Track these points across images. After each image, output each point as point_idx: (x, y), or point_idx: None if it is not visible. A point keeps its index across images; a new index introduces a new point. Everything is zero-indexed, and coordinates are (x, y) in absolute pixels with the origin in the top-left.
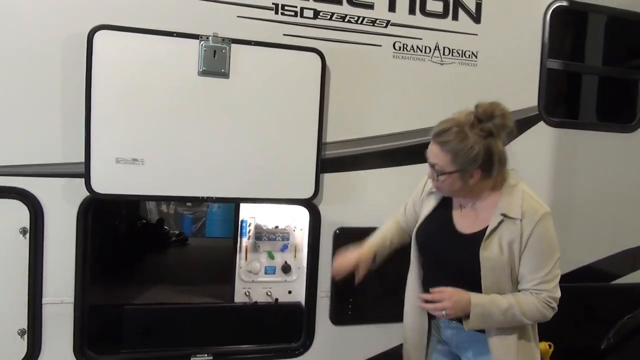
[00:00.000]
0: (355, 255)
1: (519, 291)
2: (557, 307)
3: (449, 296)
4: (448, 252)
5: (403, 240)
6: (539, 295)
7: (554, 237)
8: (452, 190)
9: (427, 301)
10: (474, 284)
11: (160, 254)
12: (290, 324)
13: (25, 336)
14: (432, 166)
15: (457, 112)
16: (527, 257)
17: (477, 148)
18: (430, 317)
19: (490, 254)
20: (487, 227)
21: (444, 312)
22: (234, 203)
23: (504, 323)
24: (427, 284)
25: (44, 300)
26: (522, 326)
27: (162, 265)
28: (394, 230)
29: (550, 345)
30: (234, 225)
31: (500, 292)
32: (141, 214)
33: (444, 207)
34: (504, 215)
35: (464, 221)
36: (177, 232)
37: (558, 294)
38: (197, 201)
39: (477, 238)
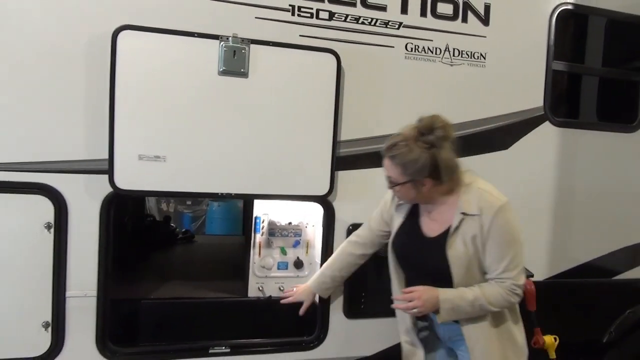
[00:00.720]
0: (298, 295)
1: (486, 281)
2: (522, 293)
3: (418, 295)
4: (420, 257)
5: (350, 271)
6: (503, 283)
7: (513, 226)
8: (409, 198)
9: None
10: (448, 281)
11: (168, 251)
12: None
13: (50, 329)
14: (387, 178)
15: (404, 126)
16: (489, 249)
17: (423, 159)
18: (421, 319)
19: (456, 251)
20: (450, 227)
21: (415, 310)
22: (236, 201)
23: (474, 313)
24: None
25: (67, 294)
26: (494, 314)
27: (172, 261)
28: (341, 265)
29: (556, 339)
30: (243, 222)
31: (472, 284)
32: (146, 212)
33: (413, 216)
34: (464, 213)
35: (430, 226)
36: (184, 229)
37: (522, 280)
38: (216, 197)
39: (443, 239)
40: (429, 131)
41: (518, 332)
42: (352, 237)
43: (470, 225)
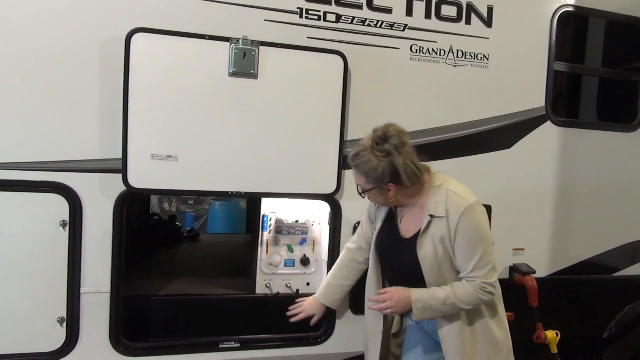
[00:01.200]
0: (308, 309)
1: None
2: (493, 291)
3: (390, 296)
4: (396, 256)
5: (356, 279)
6: (473, 282)
7: (481, 226)
8: (380, 203)
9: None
10: (421, 281)
11: (175, 249)
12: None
13: (65, 324)
14: (357, 186)
15: (365, 135)
16: (458, 249)
17: (381, 167)
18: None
19: (426, 252)
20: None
21: (388, 310)
22: (238, 200)
23: (447, 312)
24: (386, 285)
25: (82, 290)
26: (470, 325)
27: (178, 259)
28: (346, 273)
29: (557, 334)
30: (247, 221)
31: (444, 284)
32: (152, 211)
33: (392, 217)
34: (431, 215)
35: (406, 227)
36: (189, 228)
37: (493, 279)
38: (226, 196)
39: (415, 240)
40: (383, 140)
41: (497, 327)
42: (349, 245)
43: (439, 227)
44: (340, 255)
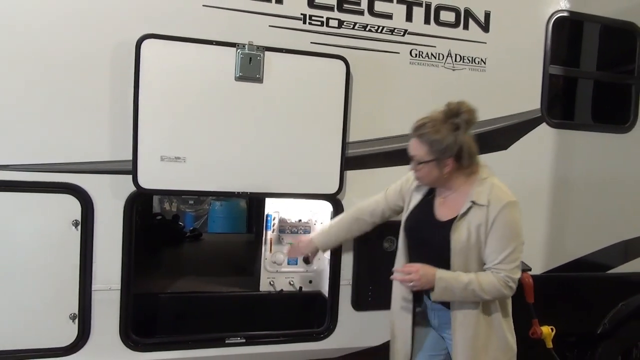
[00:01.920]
0: (303, 249)
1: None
2: (515, 288)
3: (416, 270)
4: (427, 237)
5: (354, 235)
6: (498, 274)
7: (517, 224)
8: (431, 179)
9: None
10: (446, 265)
11: (178, 248)
12: (312, 310)
13: (76, 320)
14: (412, 158)
15: (432, 111)
16: (491, 240)
17: (449, 139)
18: (416, 302)
19: (459, 236)
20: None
21: (411, 283)
22: (238, 200)
23: (466, 297)
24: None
25: (93, 287)
26: (485, 304)
27: (182, 257)
28: (350, 227)
29: (552, 329)
30: (248, 220)
31: (467, 272)
32: (154, 211)
33: (428, 200)
34: (473, 202)
35: (442, 210)
36: (191, 227)
37: (517, 275)
38: (232, 196)
39: (450, 224)
40: (455, 114)
41: (508, 330)
42: (366, 204)
43: (477, 215)
44: (353, 209)
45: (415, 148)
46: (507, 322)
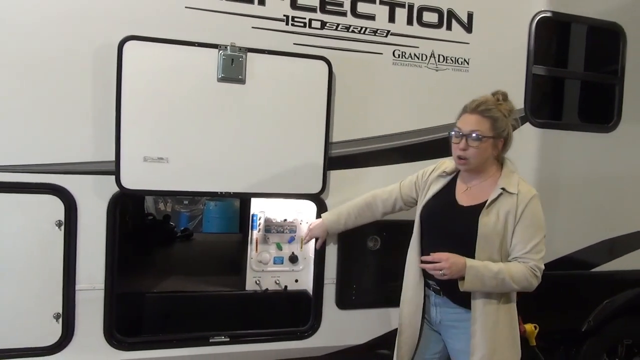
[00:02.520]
0: (314, 232)
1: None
2: (540, 277)
3: (446, 258)
4: (449, 223)
5: (364, 221)
6: (527, 263)
7: (542, 216)
8: (479, 159)
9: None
10: (469, 253)
11: (168, 248)
12: (298, 309)
13: (60, 320)
14: (467, 135)
15: (480, 96)
16: (520, 229)
17: (506, 121)
18: (424, 295)
19: (488, 220)
20: (486, 200)
21: (442, 271)
22: (232, 200)
23: (495, 287)
24: (427, 254)
25: (77, 287)
26: (505, 295)
27: (172, 257)
28: (361, 213)
29: (535, 327)
30: (240, 220)
31: (491, 260)
32: (145, 211)
33: (449, 189)
34: (504, 189)
35: (465, 198)
36: (183, 228)
37: (542, 265)
38: (216, 196)
39: (477, 209)
40: (505, 99)
41: (517, 320)
42: (380, 192)
43: (507, 202)
44: (368, 194)
45: (477, 123)
46: (517, 315)
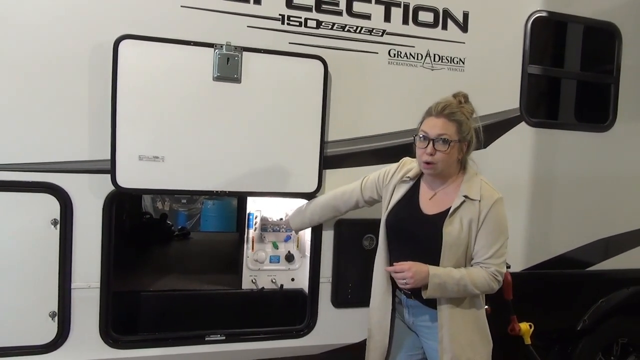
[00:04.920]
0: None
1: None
2: (502, 281)
3: (408, 267)
4: (414, 232)
5: (326, 220)
6: (488, 268)
7: (505, 220)
8: (445, 164)
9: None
10: (434, 261)
11: (165, 247)
12: (294, 308)
13: (56, 318)
14: (434, 140)
15: (442, 97)
16: (482, 235)
17: (470, 123)
18: (394, 298)
19: (452, 229)
20: (449, 208)
21: (405, 281)
22: (230, 199)
23: (458, 293)
24: (394, 260)
25: (72, 285)
26: (470, 298)
27: (169, 256)
28: (324, 213)
29: (531, 326)
30: (237, 219)
31: (457, 267)
32: (143, 210)
33: (412, 194)
34: (466, 196)
35: (429, 205)
36: (180, 226)
37: (504, 269)
38: (211, 194)
39: (441, 217)
40: (466, 101)
41: (485, 320)
42: (340, 192)
43: (469, 209)
44: (329, 195)
45: (443, 127)
46: (484, 316)
